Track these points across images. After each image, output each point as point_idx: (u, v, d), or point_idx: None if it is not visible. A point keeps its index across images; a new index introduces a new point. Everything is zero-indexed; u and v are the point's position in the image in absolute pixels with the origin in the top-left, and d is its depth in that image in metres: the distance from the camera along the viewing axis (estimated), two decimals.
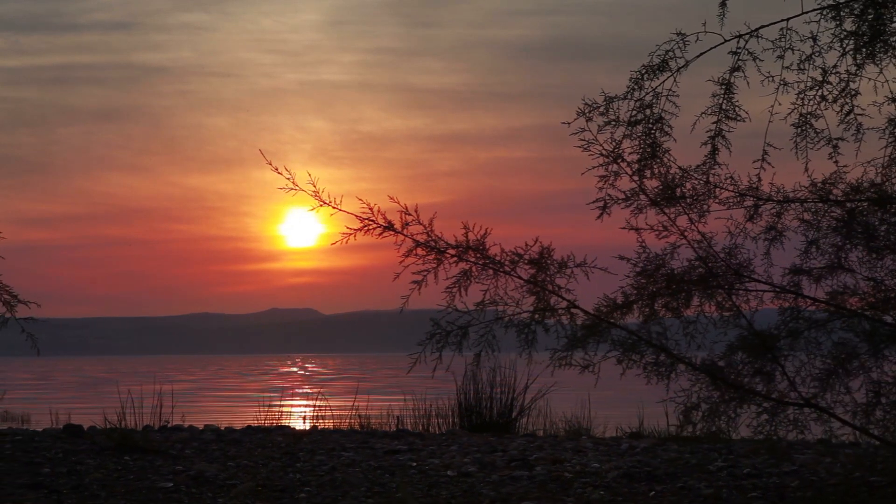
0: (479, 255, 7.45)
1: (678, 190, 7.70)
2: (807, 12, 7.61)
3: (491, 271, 7.38)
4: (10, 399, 16.70)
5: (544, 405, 14.45)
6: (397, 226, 7.54)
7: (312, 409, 15.36)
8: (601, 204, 7.79)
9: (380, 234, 7.50)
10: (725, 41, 7.67)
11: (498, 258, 7.52)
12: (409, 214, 7.49)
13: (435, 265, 7.44)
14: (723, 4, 7.90)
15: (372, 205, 7.57)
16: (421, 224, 7.53)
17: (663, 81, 7.77)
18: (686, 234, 7.77)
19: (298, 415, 15.32)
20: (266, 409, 16.83)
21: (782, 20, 7.60)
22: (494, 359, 14.08)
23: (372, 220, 7.54)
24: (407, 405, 14.66)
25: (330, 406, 15.21)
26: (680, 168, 7.77)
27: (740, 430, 8.22)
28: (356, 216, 7.62)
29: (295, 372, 79.10)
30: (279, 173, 7.51)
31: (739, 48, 7.68)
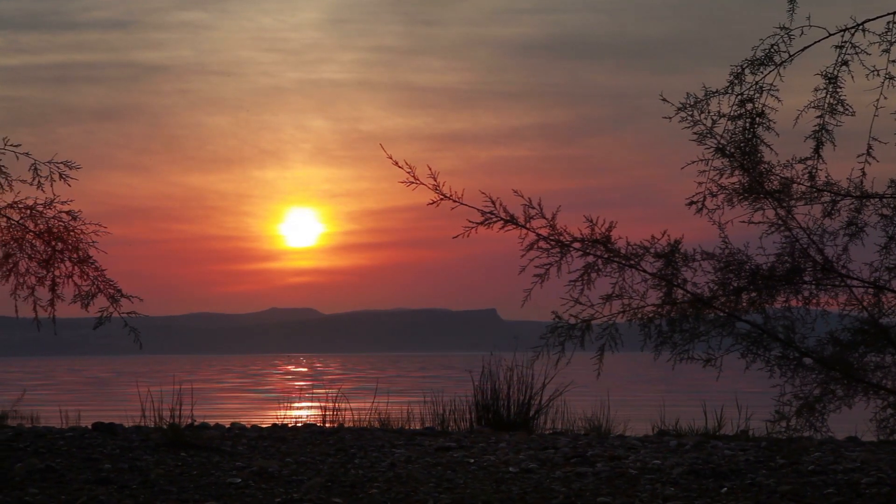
0: (604, 249, 7.35)
1: (792, 185, 7.63)
2: None
3: (616, 265, 7.27)
4: (14, 399, 16.63)
5: (561, 404, 14.36)
6: (520, 219, 7.35)
7: (332, 408, 15.24)
8: (700, 198, 7.70)
9: (501, 228, 7.37)
10: (830, 35, 7.61)
11: (623, 252, 7.40)
12: (533, 208, 7.38)
13: (558, 258, 7.29)
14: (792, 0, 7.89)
15: (495, 198, 7.44)
16: (544, 218, 7.42)
17: (766, 76, 7.72)
18: (779, 227, 7.70)
19: (318, 413, 15.22)
20: (287, 406, 16.76)
21: (888, 14, 7.54)
22: (511, 358, 14.01)
23: (494, 214, 7.42)
24: (426, 404, 14.57)
25: (350, 406, 15.11)
26: (766, 165, 7.69)
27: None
28: (478, 209, 7.48)
29: (302, 371, 79.02)
30: (399, 167, 7.38)
31: (844, 42, 7.63)
